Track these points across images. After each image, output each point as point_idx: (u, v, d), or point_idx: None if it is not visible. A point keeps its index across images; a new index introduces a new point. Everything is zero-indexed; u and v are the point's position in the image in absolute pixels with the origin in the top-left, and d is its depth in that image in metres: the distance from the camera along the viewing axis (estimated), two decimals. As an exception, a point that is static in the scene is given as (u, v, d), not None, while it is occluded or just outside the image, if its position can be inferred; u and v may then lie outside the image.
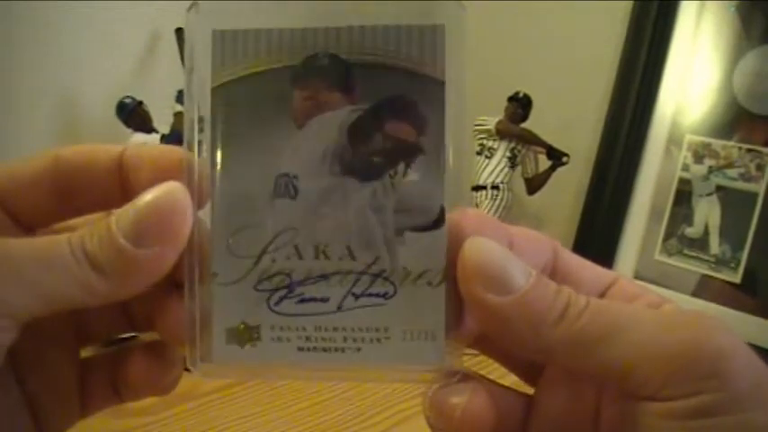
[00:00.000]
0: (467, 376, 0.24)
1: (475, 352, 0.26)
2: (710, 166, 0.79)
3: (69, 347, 0.26)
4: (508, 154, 0.87)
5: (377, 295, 0.22)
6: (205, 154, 0.23)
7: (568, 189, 0.92)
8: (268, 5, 0.23)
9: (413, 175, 0.22)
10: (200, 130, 0.23)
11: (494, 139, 0.87)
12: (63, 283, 0.21)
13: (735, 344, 0.21)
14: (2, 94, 0.74)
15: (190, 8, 0.23)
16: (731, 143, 0.78)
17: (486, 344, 0.26)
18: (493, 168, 0.87)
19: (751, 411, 0.20)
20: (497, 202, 0.87)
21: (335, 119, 0.22)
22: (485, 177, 0.87)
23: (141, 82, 0.83)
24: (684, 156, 0.81)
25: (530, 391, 0.26)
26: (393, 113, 0.22)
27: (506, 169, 0.87)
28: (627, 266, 0.83)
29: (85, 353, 0.27)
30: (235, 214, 0.23)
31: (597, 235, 0.86)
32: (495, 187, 0.87)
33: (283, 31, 0.22)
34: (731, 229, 0.77)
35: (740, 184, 0.77)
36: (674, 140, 0.83)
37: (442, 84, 0.22)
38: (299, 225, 0.22)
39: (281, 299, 0.22)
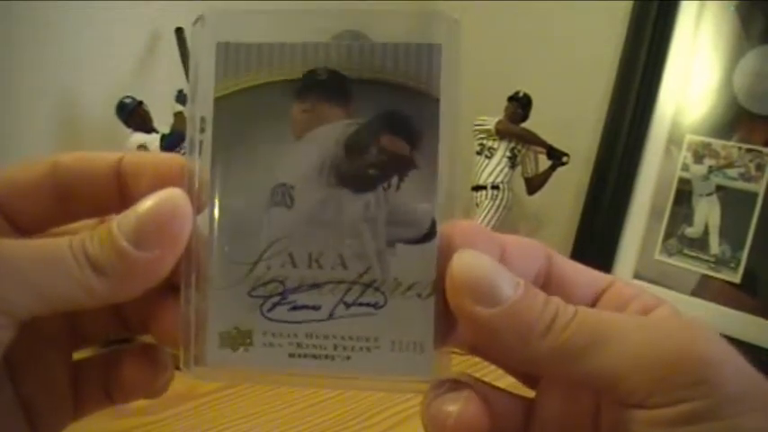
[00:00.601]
0: (461, 384, 0.24)
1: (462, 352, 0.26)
2: (710, 166, 0.79)
3: (63, 349, 0.27)
4: (508, 154, 0.87)
5: (367, 305, 0.23)
6: (205, 160, 0.23)
7: (568, 189, 0.92)
8: (271, 20, 0.23)
9: (406, 189, 0.23)
10: (202, 130, 0.23)
11: (494, 139, 0.87)
12: (63, 283, 0.22)
13: (722, 351, 0.21)
14: (2, 94, 0.74)
15: (196, 21, 0.23)
16: (731, 143, 0.78)
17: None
18: (493, 168, 0.87)
19: (739, 417, 0.20)
20: (497, 201, 0.87)
21: (333, 132, 0.22)
22: (485, 177, 0.87)
23: (141, 82, 0.83)
24: (684, 156, 0.81)
25: (530, 393, 0.26)
26: (388, 128, 0.23)
27: (506, 169, 0.87)
28: (627, 266, 0.83)
29: (77, 355, 0.27)
30: (232, 221, 0.23)
31: (597, 235, 0.86)
32: (495, 187, 0.87)
33: (285, 45, 0.23)
34: (731, 229, 0.77)
35: (740, 184, 0.77)
36: (674, 140, 0.83)
37: (436, 101, 0.22)
38: (294, 234, 0.23)
39: (275, 305, 0.23)
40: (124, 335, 0.28)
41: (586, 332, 0.21)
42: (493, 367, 0.26)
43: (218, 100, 0.23)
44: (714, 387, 0.20)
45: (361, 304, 0.23)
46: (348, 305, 0.23)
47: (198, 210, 0.23)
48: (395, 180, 0.23)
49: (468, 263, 0.22)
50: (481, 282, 0.22)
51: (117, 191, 0.25)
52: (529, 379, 0.27)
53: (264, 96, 0.23)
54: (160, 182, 0.23)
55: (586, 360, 0.21)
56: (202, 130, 0.23)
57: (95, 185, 0.25)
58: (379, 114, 0.23)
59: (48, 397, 0.26)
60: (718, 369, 0.21)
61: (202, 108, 0.23)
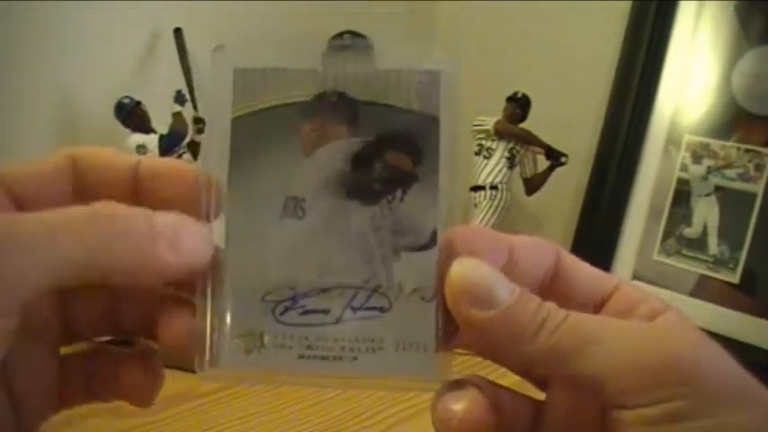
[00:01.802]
0: (467, 384, 0.25)
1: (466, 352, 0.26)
2: (709, 167, 0.79)
3: (53, 344, 0.27)
4: (507, 154, 0.87)
5: (373, 309, 0.24)
6: (222, 173, 0.25)
7: (567, 189, 0.92)
8: (284, 47, 0.25)
9: (409, 201, 0.24)
10: (200, 131, 0.25)
11: (492, 140, 0.88)
12: (127, 248, 0.22)
13: (709, 353, 0.22)
14: (2, 94, 0.74)
15: (215, 49, 0.25)
16: (730, 143, 0.78)
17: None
18: (491, 169, 0.87)
19: (724, 415, 0.21)
20: (496, 202, 0.87)
21: (340, 148, 0.24)
22: (483, 178, 0.88)
23: (140, 82, 0.83)
24: (683, 156, 0.81)
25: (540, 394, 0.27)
26: (392, 145, 0.24)
27: (505, 169, 0.88)
28: (625, 266, 0.83)
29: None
30: (246, 231, 0.25)
31: (596, 235, 0.86)
32: (493, 187, 0.87)
33: (297, 70, 0.25)
34: (730, 230, 0.77)
35: (739, 185, 0.77)
36: (672, 140, 0.83)
37: (437, 121, 0.24)
38: (305, 243, 0.24)
39: (286, 309, 0.24)
40: (113, 335, 0.28)
41: (575, 335, 0.22)
42: (494, 366, 0.26)
43: (234, 120, 0.24)
44: (697, 387, 0.21)
45: (367, 308, 0.24)
46: (355, 309, 0.24)
47: (215, 215, 0.24)
48: (399, 193, 0.24)
49: (466, 269, 0.23)
50: (478, 287, 0.23)
51: (132, 190, 0.26)
52: (540, 381, 0.27)
53: (277, 117, 0.24)
54: (175, 188, 0.25)
55: (574, 362, 0.22)
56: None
57: (113, 183, 0.26)
58: (384, 133, 0.24)
59: (35, 390, 0.26)
60: (702, 370, 0.21)
61: (221, 127, 0.25)
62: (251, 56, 0.25)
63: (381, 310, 0.24)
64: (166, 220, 0.23)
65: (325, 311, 0.24)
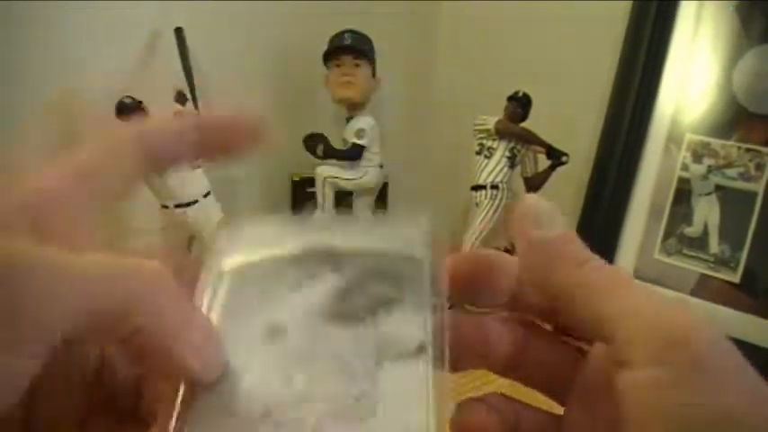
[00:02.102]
0: (482, 401, 0.25)
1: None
2: (710, 166, 0.79)
3: (82, 374, 0.27)
4: (507, 153, 0.88)
5: (355, 418, 0.24)
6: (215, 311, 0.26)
7: (568, 188, 0.92)
8: (278, 222, 0.29)
9: (393, 318, 0.25)
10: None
11: (493, 139, 0.88)
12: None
13: (714, 332, 0.22)
14: (2, 93, 0.74)
15: (218, 231, 0.28)
16: (730, 142, 0.78)
17: (513, 369, 0.27)
18: (492, 168, 0.88)
19: (723, 397, 0.21)
20: (496, 201, 0.87)
21: (324, 285, 0.27)
22: (484, 177, 0.88)
23: (141, 82, 0.83)
24: (684, 155, 0.81)
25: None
26: (373, 279, 0.27)
27: (506, 169, 0.88)
28: (626, 265, 0.84)
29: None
30: (233, 359, 0.25)
31: (597, 234, 0.86)
32: (494, 187, 0.87)
33: (290, 236, 0.28)
34: (730, 229, 0.77)
35: (739, 184, 0.77)
36: (673, 139, 0.83)
37: (418, 259, 0.27)
38: (282, 364, 0.25)
39: (259, 425, 0.24)
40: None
41: (610, 280, 0.24)
42: (493, 376, 0.26)
43: (229, 271, 0.27)
44: (696, 361, 0.21)
45: (348, 418, 0.24)
46: (335, 418, 0.24)
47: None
48: (382, 312, 0.26)
49: (534, 199, 0.26)
50: (545, 211, 0.25)
51: (197, 147, 0.27)
52: (558, 395, 0.27)
53: (267, 265, 0.27)
54: (236, 137, 0.27)
55: (602, 301, 0.23)
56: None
57: (178, 146, 0.27)
58: (365, 271, 0.27)
59: (57, 417, 0.26)
60: (706, 347, 0.21)
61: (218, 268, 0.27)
62: (249, 230, 0.28)
63: (362, 419, 0.24)
64: (199, 325, 0.23)
65: (300, 420, 0.23)
